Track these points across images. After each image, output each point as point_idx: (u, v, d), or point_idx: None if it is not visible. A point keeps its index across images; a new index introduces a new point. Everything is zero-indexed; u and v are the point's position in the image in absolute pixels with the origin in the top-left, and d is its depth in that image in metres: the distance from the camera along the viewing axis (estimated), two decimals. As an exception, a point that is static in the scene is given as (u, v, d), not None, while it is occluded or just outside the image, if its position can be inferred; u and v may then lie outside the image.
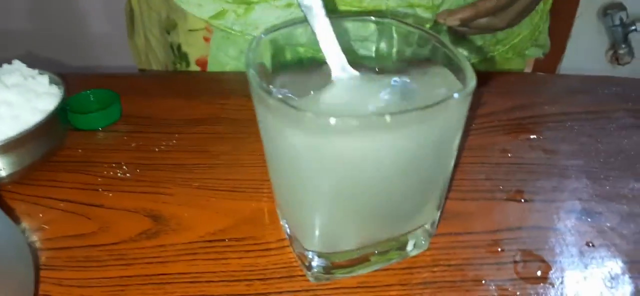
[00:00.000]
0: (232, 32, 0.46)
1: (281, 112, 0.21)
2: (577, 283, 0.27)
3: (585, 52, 1.30)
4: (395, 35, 0.28)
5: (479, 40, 0.50)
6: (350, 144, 0.20)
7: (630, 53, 1.25)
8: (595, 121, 0.40)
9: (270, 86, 0.27)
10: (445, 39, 0.46)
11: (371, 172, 0.22)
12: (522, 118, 0.41)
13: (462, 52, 0.49)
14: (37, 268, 0.27)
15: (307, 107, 0.21)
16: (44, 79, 0.36)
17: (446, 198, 0.31)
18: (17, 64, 0.36)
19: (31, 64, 0.38)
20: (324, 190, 0.22)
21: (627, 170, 0.35)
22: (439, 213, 0.28)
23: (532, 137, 0.39)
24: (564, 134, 0.39)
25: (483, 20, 0.43)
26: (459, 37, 0.48)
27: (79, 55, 1.14)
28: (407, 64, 0.27)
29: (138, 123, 0.40)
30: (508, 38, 0.54)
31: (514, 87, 0.45)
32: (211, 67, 0.49)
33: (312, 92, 0.25)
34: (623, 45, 1.24)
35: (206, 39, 0.49)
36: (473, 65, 0.57)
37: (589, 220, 0.31)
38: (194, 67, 0.52)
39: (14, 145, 0.31)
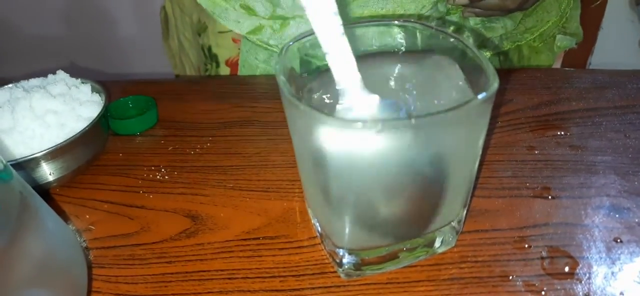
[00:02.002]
0: (268, 47, 0.48)
1: (310, 117, 0.22)
2: (605, 279, 0.27)
3: (616, 43, 1.27)
4: (419, 37, 0.29)
5: (509, 26, 0.51)
6: (377, 147, 0.21)
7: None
8: (624, 116, 0.40)
9: (300, 92, 0.28)
10: (467, 22, 0.46)
11: (398, 174, 0.23)
12: (549, 114, 0.41)
13: (493, 40, 0.50)
14: (89, 266, 0.29)
15: (335, 112, 0.22)
16: (87, 88, 0.38)
17: (472, 195, 0.32)
18: (61, 74, 0.39)
19: (73, 74, 0.40)
20: (352, 191, 0.24)
21: (657, 165, 0.35)
22: (465, 211, 0.29)
23: (559, 133, 0.39)
24: (591, 130, 0.39)
25: (494, 1, 0.43)
26: (487, 21, 0.48)
27: (114, 62, 1.19)
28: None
29: (173, 127, 0.42)
30: (536, 25, 0.54)
31: (540, 82, 0.45)
32: (242, 70, 0.51)
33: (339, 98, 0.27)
34: (656, 35, 1.21)
35: (235, 40, 0.51)
36: (504, 52, 0.57)
37: (617, 216, 0.31)
38: (223, 68, 0.54)
39: (61, 151, 0.33)
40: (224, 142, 0.40)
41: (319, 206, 0.28)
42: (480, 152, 0.26)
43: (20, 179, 0.22)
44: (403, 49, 0.29)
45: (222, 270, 0.29)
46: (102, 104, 0.37)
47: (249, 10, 0.47)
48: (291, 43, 0.27)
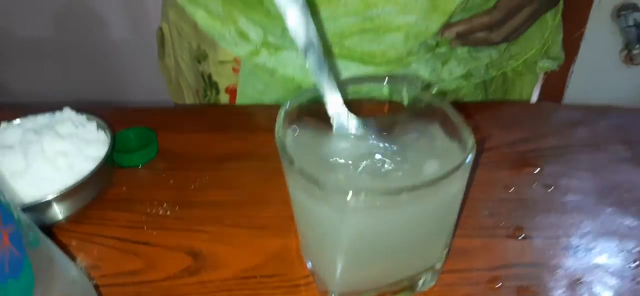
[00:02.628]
0: (266, 68, 0.51)
1: (305, 184, 0.25)
2: (567, 318, 0.30)
3: (599, 53, 1.31)
4: (405, 96, 0.32)
5: (494, 55, 0.54)
6: (366, 214, 0.24)
7: (645, 52, 1.27)
8: (593, 154, 0.43)
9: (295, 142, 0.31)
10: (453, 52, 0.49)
11: (385, 235, 0.25)
12: (525, 151, 0.44)
13: (479, 65, 0.54)
14: (102, 305, 0.31)
15: (327, 181, 0.25)
16: (92, 126, 0.40)
17: (453, 236, 0.35)
18: (67, 111, 0.41)
19: (71, 105, 0.42)
20: (342, 248, 0.26)
21: (621, 205, 0.38)
22: (446, 254, 0.32)
23: (533, 170, 0.42)
24: (563, 168, 0.42)
25: (480, 34, 0.47)
26: (473, 51, 0.51)
27: (110, 88, 1.19)
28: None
29: (173, 160, 0.45)
30: (520, 53, 0.57)
31: (518, 118, 0.49)
32: (240, 99, 0.54)
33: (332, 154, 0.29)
34: (637, 45, 1.26)
35: (235, 70, 0.53)
36: (492, 80, 0.60)
37: (581, 256, 0.34)
38: (223, 95, 0.56)
39: (72, 193, 0.35)
40: (222, 175, 0.43)
41: (311, 251, 0.31)
42: (459, 207, 0.29)
43: (44, 238, 0.24)
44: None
45: (223, 308, 0.32)
46: (108, 142, 0.40)
47: (243, 35, 0.50)
48: (288, 105, 0.30)
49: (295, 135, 0.30)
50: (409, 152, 0.29)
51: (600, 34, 1.27)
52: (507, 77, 0.60)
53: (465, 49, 0.52)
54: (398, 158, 0.29)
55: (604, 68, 1.36)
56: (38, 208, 0.34)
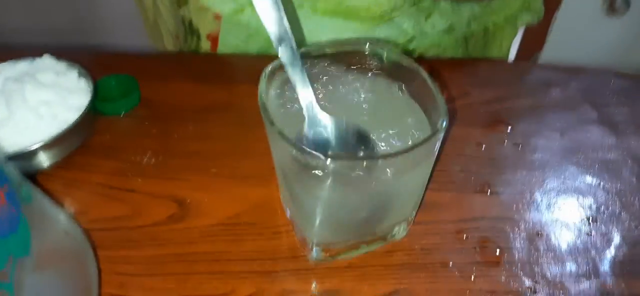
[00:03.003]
0: (249, 25, 0.50)
1: (283, 143, 0.26)
2: (524, 266, 0.33)
3: (582, 3, 1.32)
4: (385, 60, 0.32)
5: (477, 9, 0.55)
6: (342, 178, 0.26)
7: (627, 3, 1.28)
8: (562, 114, 0.46)
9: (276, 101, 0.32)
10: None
11: (361, 196, 0.27)
12: (499, 109, 0.46)
13: (461, 19, 0.54)
14: (93, 248, 0.33)
15: (307, 144, 0.26)
16: (74, 74, 0.40)
17: (425, 190, 0.37)
18: (47, 59, 0.41)
19: (45, 47, 0.42)
20: (320, 206, 0.28)
21: (583, 164, 0.41)
22: (417, 209, 0.34)
23: (505, 129, 0.44)
24: (533, 127, 0.44)
25: None
26: (455, 5, 0.52)
27: (86, 29, 1.14)
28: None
29: (156, 108, 0.45)
30: (502, 7, 0.58)
31: (494, 77, 0.50)
32: (221, 47, 0.54)
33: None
34: (619, -4, 1.27)
35: (217, 17, 0.53)
36: (472, 34, 0.62)
37: (542, 210, 0.37)
38: (205, 41, 0.56)
39: (56, 141, 0.36)
40: (204, 126, 0.43)
41: (291, 204, 0.33)
42: (431, 169, 0.31)
43: (36, 192, 0.25)
44: (372, 69, 0.33)
45: (208, 253, 0.34)
46: (90, 90, 0.40)
47: None
48: (269, 68, 0.30)
49: (278, 93, 0.31)
50: (384, 114, 0.31)
51: (582, -16, 1.28)
52: (488, 30, 0.61)
53: (449, 2, 0.52)
54: (373, 120, 0.30)
55: (586, 18, 1.38)
56: (23, 157, 0.35)
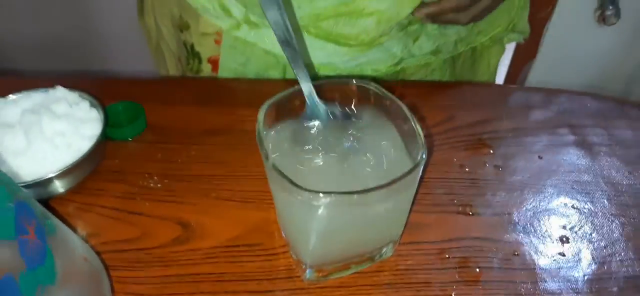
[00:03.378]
0: (247, 41, 0.53)
1: (280, 178, 0.29)
2: (503, 284, 0.36)
3: (574, 12, 1.35)
4: (372, 97, 0.36)
5: (463, 32, 0.58)
6: (333, 209, 0.29)
7: (617, 14, 1.32)
8: (541, 136, 0.49)
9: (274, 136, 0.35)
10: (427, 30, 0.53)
11: (350, 223, 0.30)
12: (482, 133, 0.49)
13: (448, 41, 0.57)
14: (106, 269, 0.36)
15: (300, 181, 0.29)
16: (85, 104, 0.43)
17: (410, 212, 0.40)
18: (60, 90, 0.44)
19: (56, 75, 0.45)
20: (313, 232, 0.31)
21: (559, 185, 0.44)
22: (403, 230, 0.37)
23: (488, 151, 0.47)
24: (513, 150, 0.47)
25: (449, 15, 0.50)
26: (442, 28, 0.55)
27: (88, 57, 1.17)
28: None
29: (161, 133, 0.48)
30: (488, 29, 0.61)
31: (480, 99, 0.53)
32: (221, 72, 0.57)
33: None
34: (610, 7, 1.30)
35: (217, 42, 0.56)
36: (459, 54, 0.65)
37: (519, 231, 0.40)
38: (205, 64, 0.59)
39: (70, 169, 0.39)
40: (206, 150, 0.46)
41: (286, 228, 0.36)
42: (413, 195, 0.34)
43: (58, 224, 0.28)
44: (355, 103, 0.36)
45: (210, 273, 0.37)
46: (100, 119, 0.43)
47: (226, 10, 0.52)
48: (266, 104, 0.34)
49: (278, 129, 0.34)
50: (370, 148, 0.34)
51: (573, -1, 1.31)
52: (476, 49, 0.64)
53: (435, 26, 0.55)
54: (363, 156, 0.33)
55: (578, 28, 1.41)
56: (40, 185, 0.38)
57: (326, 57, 0.53)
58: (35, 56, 1.13)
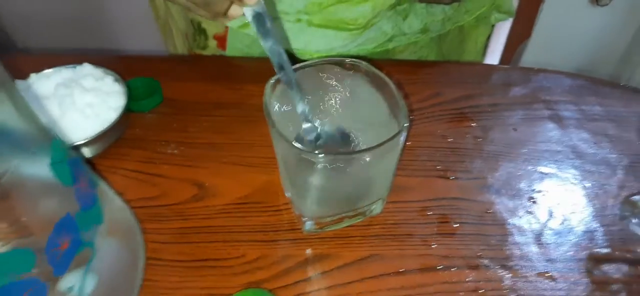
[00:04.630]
0: (255, 37, 0.58)
1: (282, 140, 0.35)
2: (475, 237, 0.42)
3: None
4: (363, 70, 0.41)
5: (449, 11, 0.62)
6: (328, 169, 0.35)
7: (610, -6, 1.36)
8: (518, 111, 0.54)
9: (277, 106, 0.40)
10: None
11: (343, 181, 0.36)
12: (465, 107, 0.54)
13: (435, 20, 0.62)
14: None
15: (303, 144, 0.35)
16: (110, 79, 0.49)
17: (396, 175, 0.46)
18: (87, 67, 0.49)
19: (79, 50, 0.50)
20: (312, 190, 0.37)
21: (531, 155, 0.49)
22: (389, 190, 0.43)
23: (469, 124, 0.52)
24: (492, 123, 0.53)
25: None
26: (429, 7, 0.59)
27: (98, 36, 1.21)
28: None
29: (176, 106, 0.54)
30: (473, 9, 0.66)
31: (465, 77, 0.58)
32: (229, 51, 0.62)
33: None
34: (603, -14, 1.34)
35: None
36: (447, 33, 0.69)
37: (493, 192, 0.46)
38: (211, 41, 0.64)
39: (98, 138, 0.44)
40: (217, 121, 0.52)
41: (288, 186, 0.42)
42: (398, 157, 0.40)
43: (98, 178, 0.34)
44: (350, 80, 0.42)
45: (223, 226, 0.43)
46: (124, 93, 0.48)
47: None
48: (273, 80, 0.39)
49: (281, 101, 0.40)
50: (361, 119, 0.39)
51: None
52: (463, 28, 0.69)
53: (423, 5, 0.59)
54: (353, 123, 0.39)
55: (572, 8, 1.45)
56: (74, 149, 0.43)
57: (327, 43, 0.58)
58: (55, 34, 1.18)
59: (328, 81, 0.41)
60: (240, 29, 0.58)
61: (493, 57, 1.52)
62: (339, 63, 0.41)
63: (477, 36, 0.71)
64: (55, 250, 0.27)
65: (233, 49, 0.61)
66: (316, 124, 0.40)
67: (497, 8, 0.69)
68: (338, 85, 0.42)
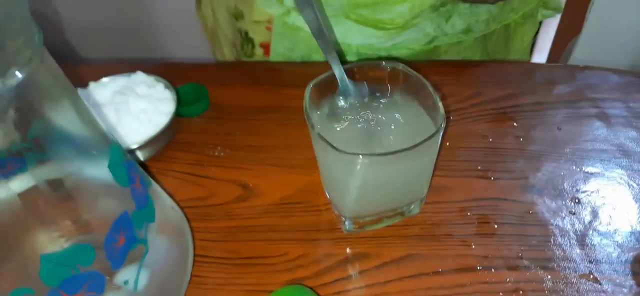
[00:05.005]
0: (294, 26, 0.60)
1: (322, 143, 0.36)
2: (516, 237, 0.42)
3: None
4: (401, 76, 0.42)
5: (494, 10, 0.61)
6: (367, 169, 0.36)
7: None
8: (562, 109, 0.53)
9: (318, 112, 0.42)
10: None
11: (382, 181, 0.37)
12: (506, 107, 0.54)
13: (479, 20, 0.61)
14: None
15: (340, 145, 0.36)
16: (161, 86, 0.52)
17: (435, 176, 0.46)
18: (140, 75, 0.52)
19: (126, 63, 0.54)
20: (351, 190, 0.38)
21: (575, 154, 0.48)
22: (428, 189, 0.43)
23: (511, 124, 0.52)
24: (535, 122, 0.52)
25: None
26: (474, 7, 0.59)
27: (149, 45, 1.28)
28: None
29: (221, 111, 0.56)
30: (520, 6, 0.65)
31: (506, 76, 0.58)
32: (272, 56, 0.64)
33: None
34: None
35: (268, 28, 0.63)
36: (493, 32, 0.68)
37: (534, 193, 0.45)
38: (258, 49, 0.66)
39: (152, 141, 0.48)
40: (259, 125, 0.54)
41: (329, 188, 0.43)
42: (435, 157, 0.40)
43: (150, 179, 0.36)
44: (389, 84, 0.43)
45: (267, 225, 0.44)
46: (173, 99, 0.51)
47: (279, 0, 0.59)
48: (312, 84, 0.40)
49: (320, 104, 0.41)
50: (398, 119, 0.40)
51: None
52: (509, 26, 0.68)
53: (467, 5, 0.59)
54: (390, 125, 0.40)
55: (623, 4, 1.38)
56: (130, 152, 0.47)
57: (364, 39, 0.59)
58: (112, 44, 1.26)
59: (360, 86, 0.43)
60: (282, 17, 0.60)
61: (541, 54, 1.47)
62: (377, 65, 0.42)
63: (523, 34, 0.69)
64: (113, 246, 0.30)
65: (276, 53, 0.64)
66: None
67: (544, 4, 0.67)
68: (371, 89, 0.43)
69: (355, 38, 0.59)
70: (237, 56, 0.70)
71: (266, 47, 0.65)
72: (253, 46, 0.67)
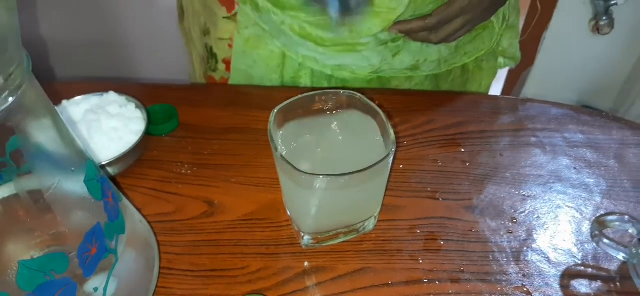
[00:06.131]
0: (255, 46, 0.63)
1: (282, 164, 0.40)
2: (459, 253, 0.46)
3: (571, 21, 1.43)
4: (358, 100, 0.46)
5: (445, 52, 0.66)
6: (324, 190, 0.39)
7: (611, 24, 1.40)
8: (505, 138, 0.58)
9: (280, 132, 0.45)
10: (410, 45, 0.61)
11: (338, 200, 0.41)
12: (455, 134, 0.59)
13: (429, 59, 0.65)
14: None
15: (301, 166, 0.39)
16: (132, 106, 0.54)
17: (387, 196, 0.50)
18: (112, 95, 0.55)
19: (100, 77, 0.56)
20: (310, 208, 0.42)
21: (514, 179, 0.53)
22: (381, 208, 0.47)
23: (459, 149, 0.57)
24: (480, 148, 0.57)
25: (420, 34, 0.58)
26: (424, 46, 0.63)
27: (116, 64, 1.30)
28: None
29: (190, 130, 0.59)
30: (472, 52, 0.69)
31: (458, 106, 0.63)
32: (233, 73, 0.67)
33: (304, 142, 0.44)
34: (604, 17, 1.38)
35: (230, 46, 0.67)
36: (450, 72, 0.73)
37: (477, 213, 0.50)
38: (221, 64, 0.70)
39: (122, 158, 0.50)
40: (226, 145, 0.57)
41: (289, 205, 0.46)
42: (387, 178, 0.44)
43: (120, 194, 0.39)
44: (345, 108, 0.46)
45: (231, 239, 0.47)
46: (144, 118, 0.54)
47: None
48: (276, 109, 0.44)
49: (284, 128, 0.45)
50: (355, 142, 0.44)
51: (572, 5, 1.39)
52: (468, 69, 0.72)
53: (418, 43, 0.63)
54: (347, 148, 0.44)
55: (573, 37, 1.49)
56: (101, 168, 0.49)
57: (307, 50, 0.62)
58: (86, 62, 1.26)
59: (326, 112, 0.46)
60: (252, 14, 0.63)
61: (498, 84, 1.56)
62: (336, 94, 0.46)
63: (481, 79, 0.74)
64: (85, 255, 0.32)
65: (236, 70, 0.67)
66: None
67: (502, 54, 0.73)
68: (335, 116, 0.47)
69: (299, 50, 0.62)
70: (205, 70, 0.74)
71: (228, 63, 0.69)
72: (217, 61, 0.70)
